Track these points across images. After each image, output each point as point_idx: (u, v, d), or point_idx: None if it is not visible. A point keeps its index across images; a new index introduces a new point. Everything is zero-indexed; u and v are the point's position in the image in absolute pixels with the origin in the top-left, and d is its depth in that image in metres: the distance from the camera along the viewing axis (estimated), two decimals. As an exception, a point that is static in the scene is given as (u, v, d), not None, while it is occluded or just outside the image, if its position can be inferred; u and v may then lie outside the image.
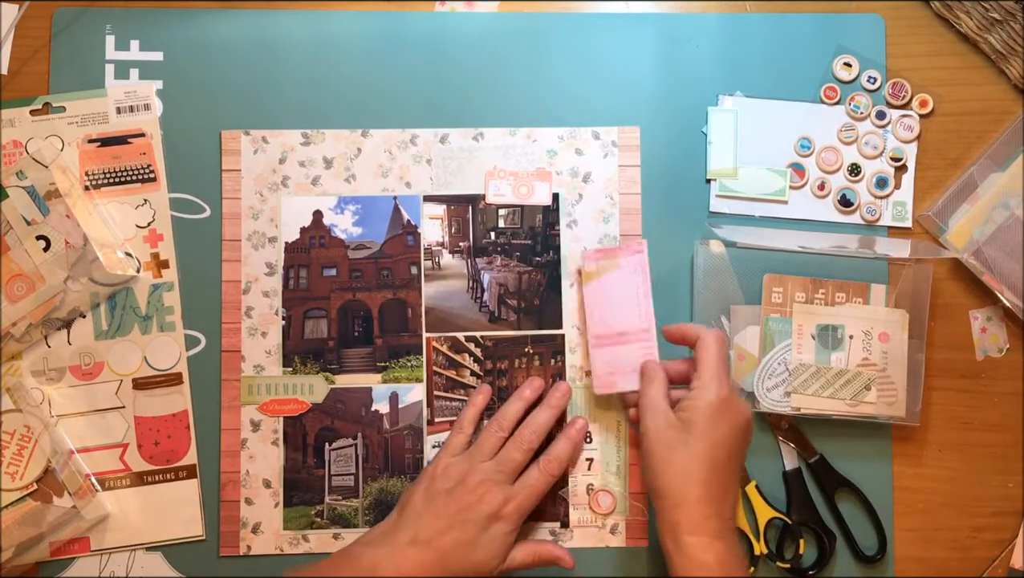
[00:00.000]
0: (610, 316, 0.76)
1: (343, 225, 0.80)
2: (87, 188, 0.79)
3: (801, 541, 0.76)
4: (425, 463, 0.79)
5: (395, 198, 0.81)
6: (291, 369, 0.79)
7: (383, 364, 0.79)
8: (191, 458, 0.78)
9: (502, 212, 0.81)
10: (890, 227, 0.80)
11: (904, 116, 0.81)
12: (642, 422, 0.71)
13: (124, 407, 0.78)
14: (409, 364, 0.79)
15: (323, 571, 0.70)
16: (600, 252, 0.77)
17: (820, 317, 0.77)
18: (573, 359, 0.79)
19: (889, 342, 0.76)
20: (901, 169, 0.81)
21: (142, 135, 0.80)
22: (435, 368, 0.79)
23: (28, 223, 0.77)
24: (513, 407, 0.76)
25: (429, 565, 0.69)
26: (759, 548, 0.77)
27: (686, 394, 0.70)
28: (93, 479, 0.78)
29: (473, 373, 0.80)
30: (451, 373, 0.79)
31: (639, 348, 0.75)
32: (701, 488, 0.67)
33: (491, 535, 0.70)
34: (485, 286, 0.80)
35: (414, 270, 0.80)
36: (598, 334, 0.76)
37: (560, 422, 0.78)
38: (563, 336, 0.80)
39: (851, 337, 0.77)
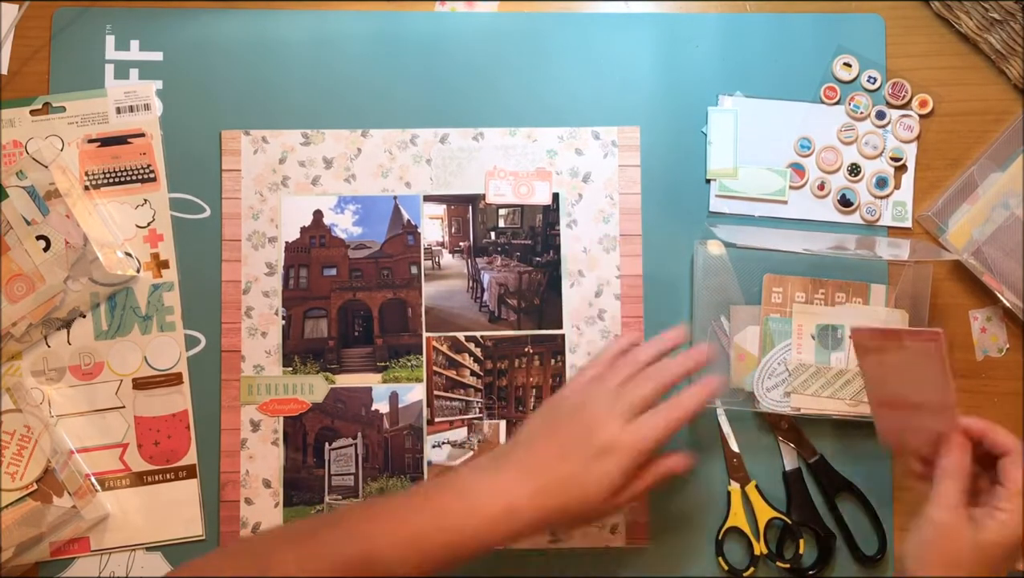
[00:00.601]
0: (897, 388, 0.67)
1: (343, 225, 0.80)
2: (87, 188, 0.79)
3: (801, 541, 0.76)
4: (425, 463, 0.79)
5: (395, 198, 0.81)
6: (291, 369, 0.79)
7: (383, 364, 0.79)
8: (191, 458, 0.78)
9: (502, 212, 0.81)
10: (890, 227, 0.80)
11: (904, 116, 0.81)
12: (936, 512, 0.63)
13: (124, 407, 0.78)
14: (409, 364, 0.79)
15: (419, 494, 0.66)
16: (878, 333, 0.67)
17: (820, 317, 0.77)
18: (573, 359, 0.79)
19: None
20: (901, 169, 0.81)
21: (142, 135, 0.80)
22: (435, 368, 0.79)
23: (28, 223, 0.77)
24: (651, 349, 0.70)
25: (530, 495, 0.63)
26: (759, 548, 0.77)
27: (990, 509, 0.62)
28: (93, 479, 0.78)
29: (473, 373, 0.80)
30: (451, 373, 0.80)
31: (937, 420, 0.65)
32: None
33: (604, 469, 0.64)
34: (485, 286, 0.80)
35: (414, 270, 0.80)
36: (882, 401, 0.69)
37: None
38: (563, 336, 0.80)
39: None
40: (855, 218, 0.80)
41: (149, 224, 0.80)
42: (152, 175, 0.80)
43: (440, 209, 0.81)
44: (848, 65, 0.81)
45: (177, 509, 0.78)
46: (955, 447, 0.64)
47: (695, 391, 0.68)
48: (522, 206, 0.81)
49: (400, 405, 0.79)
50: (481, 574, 0.77)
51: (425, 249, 0.80)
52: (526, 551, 0.77)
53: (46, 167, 0.77)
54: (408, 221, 0.81)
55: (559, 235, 0.80)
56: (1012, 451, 0.63)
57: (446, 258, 0.81)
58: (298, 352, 0.79)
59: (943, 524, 0.62)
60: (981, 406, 0.79)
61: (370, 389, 0.79)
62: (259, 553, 0.64)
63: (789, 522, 0.77)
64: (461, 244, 0.81)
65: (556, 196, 0.81)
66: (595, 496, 0.64)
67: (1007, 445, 0.64)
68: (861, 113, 0.81)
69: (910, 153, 0.81)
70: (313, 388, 0.79)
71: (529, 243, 0.81)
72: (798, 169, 0.81)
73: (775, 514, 0.77)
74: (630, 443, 0.65)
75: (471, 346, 0.80)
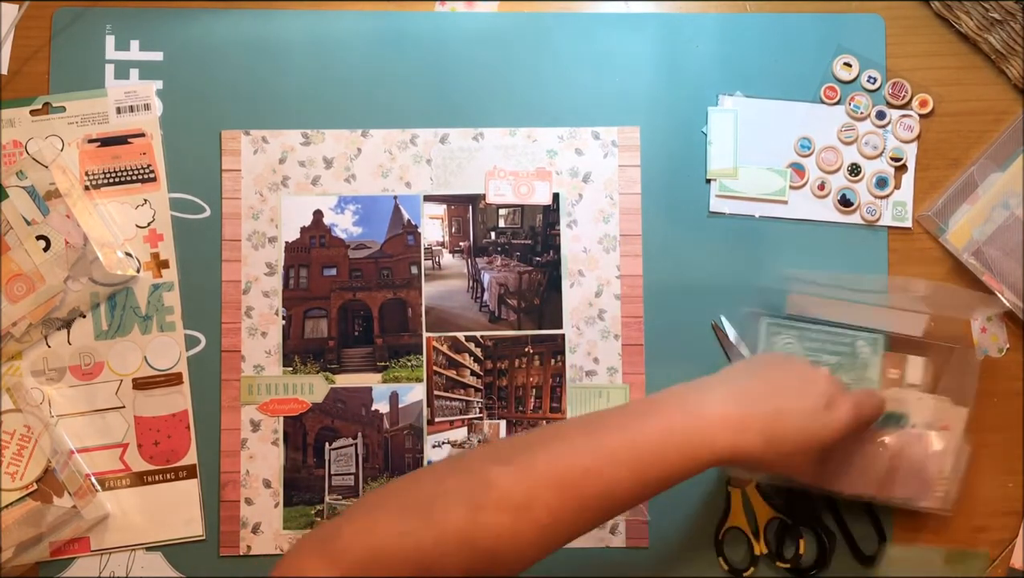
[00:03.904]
0: None
1: (343, 225, 0.80)
2: (87, 188, 0.79)
3: (801, 541, 0.76)
4: (425, 462, 0.79)
5: (395, 198, 0.81)
6: (291, 369, 0.79)
7: (383, 364, 0.79)
8: (191, 458, 0.78)
9: (502, 212, 0.81)
10: (890, 227, 0.80)
11: (904, 116, 0.81)
12: None
13: (124, 407, 0.78)
14: (409, 364, 0.79)
15: (639, 409, 0.63)
16: None
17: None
18: (573, 359, 0.79)
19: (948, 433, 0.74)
20: (901, 169, 0.81)
21: (142, 135, 0.80)
22: (435, 368, 0.79)
23: (28, 223, 0.77)
24: None
25: (759, 418, 0.61)
26: (759, 548, 0.77)
27: None
28: (93, 479, 0.78)
29: (473, 373, 0.80)
30: (451, 373, 0.80)
31: None
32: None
33: (829, 418, 0.63)
34: (485, 286, 0.80)
35: (414, 270, 0.80)
36: None
37: None
38: (563, 336, 0.80)
39: (913, 426, 0.73)
40: (855, 218, 0.80)
41: (149, 224, 0.80)
42: (152, 175, 0.80)
43: (440, 209, 0.81)
44: (848, 65, 0.81)
45: (177, 509, 0.78)
46: None
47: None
48: (522, 206, 0.81)
49: (400, 405, 0.79)
50: (481, 574, 0.77)
51: (425, 249, 0.80)
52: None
53: (46, 167, 0.77)
54: (408, 221, 0.81)
55: (559, 235, 0.80)
56: None
57: (446, 258, 0.81)
58: (298, 352, 0.79)
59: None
60: (981, 406, 0.79)
61: (370, 389, 0.79)
62: (469, 468, 0.60)
63: (789, 522, 0.77)
64: (461, 244, 0.81)
65: (556, 196, 0.81)
66: (816, 440, 0.62)
67: None
68: (861, 113, 0.81)
69: (910, 153, 0.81)
70: (313, 388, 0.79)
71: (529, 243, 0.81)
72: (798, 169, 0.81)
73: (775, 514, 0.77)
74: (851, 407, 0.64)
75: (471, 346, 0.80)
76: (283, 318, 0.80)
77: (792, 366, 0.66)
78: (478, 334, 0.80)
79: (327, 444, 0.79)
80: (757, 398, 0.62)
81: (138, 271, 0.79)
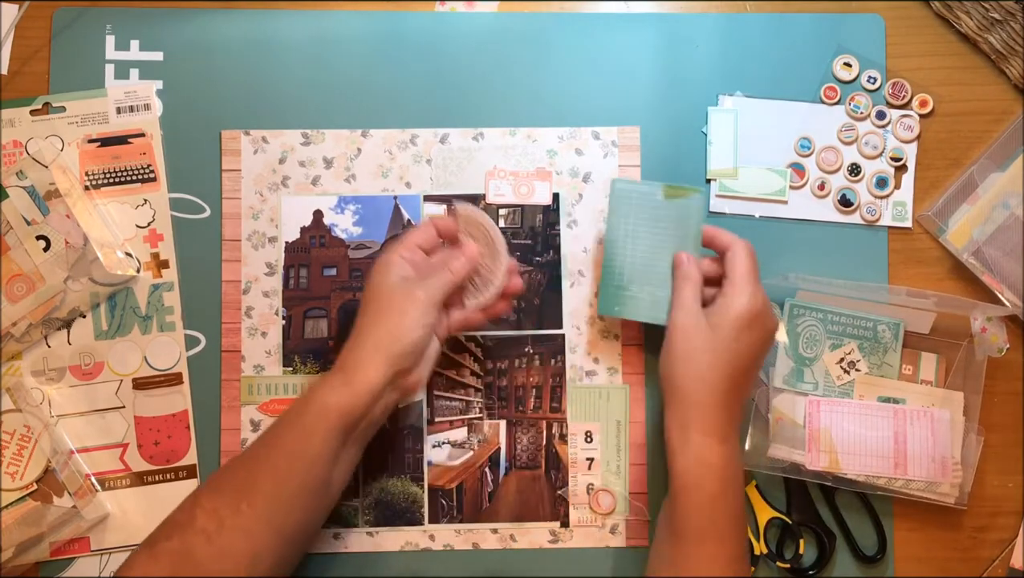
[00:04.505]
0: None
1: (343, 225, 0.80)
2: (87, 188, 0.79)
3: (801, 541, 0.76)
4: (425, 463, 0.79)
5: (395, 198, 0.81)
6: (291, 369, 0.79)
7: (383, 364, 0.79)
8: (191, 458, 0.78)
9: (502, 212, 0.81)
10: (890, 227, 0.80)
11: (904, 116, 0.81)
12: (672, 315, 0.71)
13: (124, 407, 0.78)
14: (409, 364, 0.79)
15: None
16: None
17: (883, 389, 0.76)
18: (574, 359, 0.79)
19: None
20: (901, 169, 0.81)
21: (142, 135, 0.80)
22: (435, 368, 0.79)
23: (28, 223, 0.77)
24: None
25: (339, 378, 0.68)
26: (759, 548, 0.77)
27: (717, 297, 0.70)
28: (93, 479, 0.78)
29: (473, 373, 0.79)
30: (451, 373, 0.79)
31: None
32: (718, 395, 0.67)
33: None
34: (485, 286, 0.80)
35: (414, 270, 0.80)
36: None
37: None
38: (563, 336, 0.79)
39: None
40: (855, 218, 0.80)
41: (149, 224, 0.80)
42: (152, 175, 0.80)
43: (440, 209, 0.81)
44: (848, 65, 0.81)
45: (177, 509, 0.78)
46: (683, 260, 0.73)
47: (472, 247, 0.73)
48: (522, 206, 0.81)
49: (400, 405, 0.79)
50: (481, 574, 0.77)
51: (425, 249, 0.80)
52: (527, 551, 0.77)
53: (46, 167, 0.77)
54: (408, 221, 0.81)
55: (559, 235, 0.80)
56: (730, 246, 0.71)
57: (446, 258, 0.80)
58: (298, 352, 0.79)
59: (681, 324, 0.70)
60: (981, 406, 0.79)
61: (370, 389, 0.79)
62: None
63: (789, 522, 0.77)
64: (461, 244, 0.81)
65: (556, 196, 0.81)
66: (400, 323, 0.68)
67: (727, 242, 0.72)
68: (861, 113, 0.81)
69: (910, 153, 0.81)
70: (313, 388, 0.79)
71: (529, 243, 0.81)
72: (798, 169, 0.81)
73: (775, 514, 0.77)
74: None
75: (471, 346, 0.80)
76: (283, 318, 0.80)
77: (372, 296, 0.70)
78: (478, 334, 0.80)
79: (327, 444, 0.79)
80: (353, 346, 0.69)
81: (138, 271, 0.79)
